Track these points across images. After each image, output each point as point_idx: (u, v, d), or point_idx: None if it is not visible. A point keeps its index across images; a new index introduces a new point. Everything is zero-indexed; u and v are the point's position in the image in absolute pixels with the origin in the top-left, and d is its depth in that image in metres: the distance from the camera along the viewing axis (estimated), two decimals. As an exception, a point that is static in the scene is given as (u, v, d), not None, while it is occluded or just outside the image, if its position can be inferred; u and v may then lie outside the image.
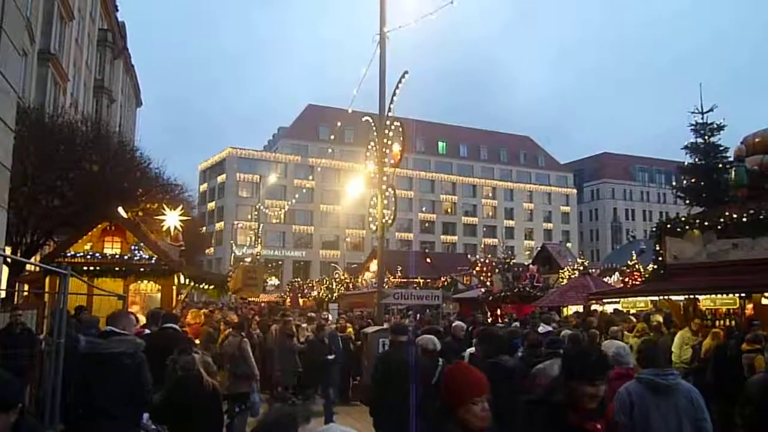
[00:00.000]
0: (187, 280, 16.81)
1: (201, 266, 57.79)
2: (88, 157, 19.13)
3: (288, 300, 44.42)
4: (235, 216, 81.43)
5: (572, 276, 27.59)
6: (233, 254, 55.42)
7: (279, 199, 74.89)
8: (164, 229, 18.39)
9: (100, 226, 15.52)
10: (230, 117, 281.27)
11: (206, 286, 19.01)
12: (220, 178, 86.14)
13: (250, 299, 31.94)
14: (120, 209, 15.80)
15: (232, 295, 32.21)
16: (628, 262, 29.75)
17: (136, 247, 15.19)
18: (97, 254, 14.95)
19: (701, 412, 4.80)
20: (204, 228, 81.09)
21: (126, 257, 15.00)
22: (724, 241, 15.35)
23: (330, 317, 19.97)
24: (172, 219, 18.47)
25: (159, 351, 7.60)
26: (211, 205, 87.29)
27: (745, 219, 14.85)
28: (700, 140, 20.60)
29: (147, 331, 8.92)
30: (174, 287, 15.78)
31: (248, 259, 45.56)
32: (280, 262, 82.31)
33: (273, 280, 72.53)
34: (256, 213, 53.60)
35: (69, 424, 5.70)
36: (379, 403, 7.16)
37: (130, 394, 5.80)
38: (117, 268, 14.76)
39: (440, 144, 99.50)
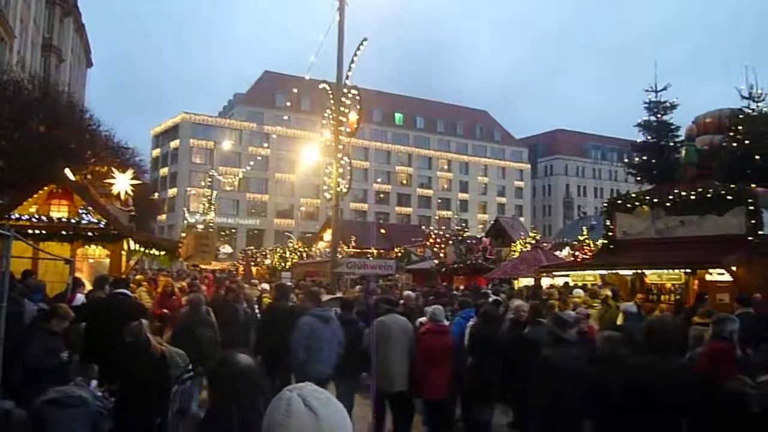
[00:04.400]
0: (137, 246, 16.51)
1: (152, 232, 56.92)
2: (35, 116, 18.53)
3: (241, 268, 44.15)
4: (188, 182, 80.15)
5: (524, 249, 27.94)
6: (186, 221, 54.51)
7: (233, 167, 73.90)
8: (114, 193, 17.93)
9: (46, 188, 15.05)
10: (185, 82, 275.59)
11: (157, 252, 18.70)
12: (174, 144, 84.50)
13: (201, 266, 31.60)
14: (67, 171, 15.34)
15: (183, 262, 31.81)
16: (579, 237, 30.29)
17: (84, 211, 14.78)
18: (43, 217, 14.52)
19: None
20: (156, 194, 79.71)
21: (73, 221, 14.60)
22: (672, 218, 15.74)
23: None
24: (122, 183, 18.00)
25: (108, 316, 7.45)
26: (164, 170, 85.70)
27: (693, 197, 15.22)
28: (653, 118, 20.88)
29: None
30: (123, 253, 15.49)
31: (201, 227, 44.89)
32: (233, 230, 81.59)
33: (226, 248, 71.94)
34: (209, 180, 52.62)
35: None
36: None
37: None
38: (64, 232, 14.37)
39: (397, 115, 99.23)
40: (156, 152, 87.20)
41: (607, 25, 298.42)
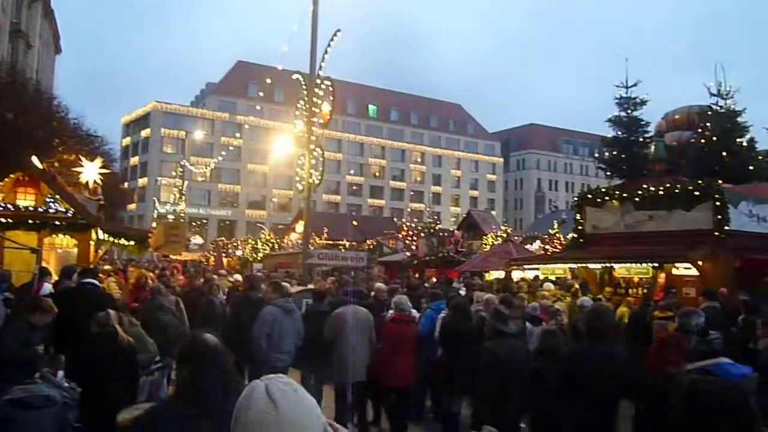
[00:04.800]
0: (106, 236, 16.29)
1: (122, 222, 56.30)
2: (2, 103, 18.17)
3: (212, 259, 43.83)
4: (159, 172, 79.19)
5: (495, 242, 28.12)
6: (156, 211, 53.99)
7: (205, 157, 73.26)
8: (82, 182, 17.63)
9: (12, 176, 14.78)
10: (156, 70, 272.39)
11: (126, 242, 18.47)
12: (144, 133, 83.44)
13: (172, 257, 31.31)
14: (35, 159, 15.07)
15: (153, 253, 31.51)
16: (550, 230, 30.57)
17: (52, 200, 14.54)
18: (10, 206, 14.26)
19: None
20: (126, 183, 78.77)
21: (40, 210, 14.36)
22: (640, 212, 15.95)
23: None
24: (90, 171, 17.68)
25: (76, 307, 7.34)
26: (134, 160, 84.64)
27: (661, 192, 15.43)
28: (623, 114, 21.11)
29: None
30: (92, 242, 15.28)
31: (171, 217, 44.50)
32: (204, 221, 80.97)
33: (197, 239, 71.38)
34: (181, 170, 52.13)
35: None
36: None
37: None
38: (30, 221, 14.12)
39: (371, 107, 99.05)
40: (126, 141, 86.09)
41: (583, 20, 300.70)
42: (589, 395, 4.98)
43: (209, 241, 66.84)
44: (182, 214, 48.48)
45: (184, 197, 52.53)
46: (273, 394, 1.76)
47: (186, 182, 54.77)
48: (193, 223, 74.48)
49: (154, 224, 40.13)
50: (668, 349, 5.53)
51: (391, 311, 9.28)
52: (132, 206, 77.53)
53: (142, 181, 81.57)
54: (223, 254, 45.14)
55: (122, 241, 18.11)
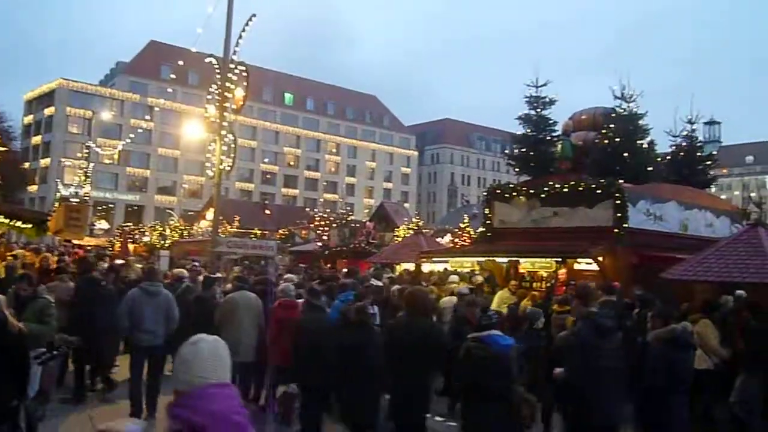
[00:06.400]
0: (1, 217, 15.47)
1: (22, 204, 53.61)
2: None
3: (117, 245, 42.38)
4: (63, 153, 75.61)
5: (407, 235, 28.38)
6: (59, 194, 51.70)
7: (113, 139, 70.66)
8: (-25, 160, 16.70)
9: None
10: (63, 45, 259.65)
11: (23, 225, 17.58)
12: (48, 111, 79.49)
13: (74, 242, 30.03)
14: None
15: (56, 238, 30.19)
16: (460, 224, 31.08)
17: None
18: None
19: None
20: (27, 164, 75.18)
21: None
22: (546, 209, 16.39)
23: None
24: (-16, 150, 16.77)
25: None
26: (37, 139, 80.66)
27: (566, 189, 15.92)
28: (532, 113, 21.61)
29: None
30: (-16, 224, 14.48)
31: (75, 200, 42.71)
32: (111, 205, 78.04)
33: (102, 224, 68.82)
34: (86, 151, 50.06)
35: None
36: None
37: None
38: None
39: (287, 96, 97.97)
40: (28, 119, 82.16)
41: (499, 19, 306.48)
42: (404, 355, 6.47)
43: (115, 226, 64.59)
44: (86, 197, 46.62)
45: (89, 180, 50.56)
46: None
47: (92, 164, 52.65)
48: (99, 208, 71.84)
49: (55, 206, 38.41)
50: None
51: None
52: (33, 188, 74.05)
53: (44, 162, 77.90)
54: (130, 240, 43.73)
55: (18, 223, 17.23)
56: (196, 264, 16.40)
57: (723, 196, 45.49)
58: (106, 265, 13.49)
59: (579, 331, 6.67)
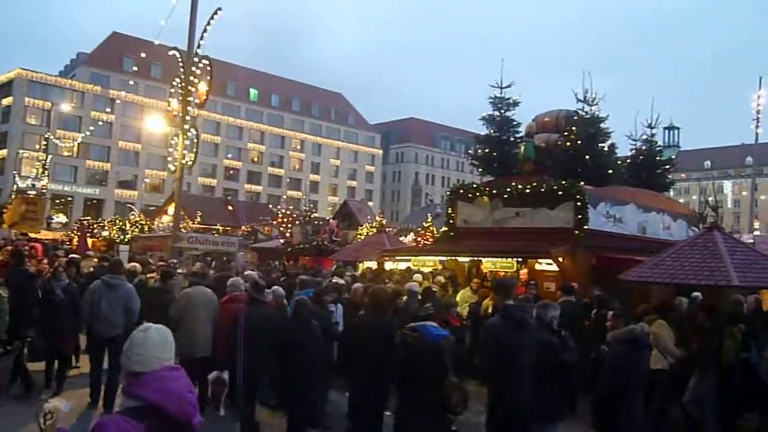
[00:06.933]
0: (-47, 209, 15.10)
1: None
2: None
3: (75, 239, 41.60)
4: (20, 144, 73.83)
5: (370, 233, 28.36)
6: (16, 185, 50.61)
7: (73, 131, 69.47)
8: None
9: None
10: (22, 34, 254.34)
11: (-25, 217, 17.19)
12: (6, 101, 77.59)
13: (31, 235, 29.38)
14: None
15: (12, 231, 29.52)
16: (424, 223, 31.17)
17: None
18: None
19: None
20: (-18, 155, 73.48)
21: None
22: (508, 209, 16.51)
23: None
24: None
25: None
26: (-8, 130, 78.92)
27: (528, 190, 16.05)
28: (496, 113, 21.66)
29: None
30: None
31: (33, 193, 41.83)
32: (69, 198, 76.62)
33: (60, 217, 67.53)
34: (45, 143, 49.11)
35: None
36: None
37: None
38: None
39: (252, 91, 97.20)
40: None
41: (465, 20, 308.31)
42: (364, 349, 6.77)
43: (74, 219, 63.40)
44: (44, 190, 45.71)
45: (47, 172, 49.61)
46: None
47: (50, 156, 51.66)
48: (57, 201, 70.45)
49: (11, 199, 37.54)
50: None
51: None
52: (-13, 179, 72.49)
53: (1, 153, 76.10)
54: (88, 234, 42.96)
55: (-29, 215, 16.85)
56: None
57: (681, 200, 46.40)
58: (64, 259, 13.26)
59: (495, 322, 7.02)
